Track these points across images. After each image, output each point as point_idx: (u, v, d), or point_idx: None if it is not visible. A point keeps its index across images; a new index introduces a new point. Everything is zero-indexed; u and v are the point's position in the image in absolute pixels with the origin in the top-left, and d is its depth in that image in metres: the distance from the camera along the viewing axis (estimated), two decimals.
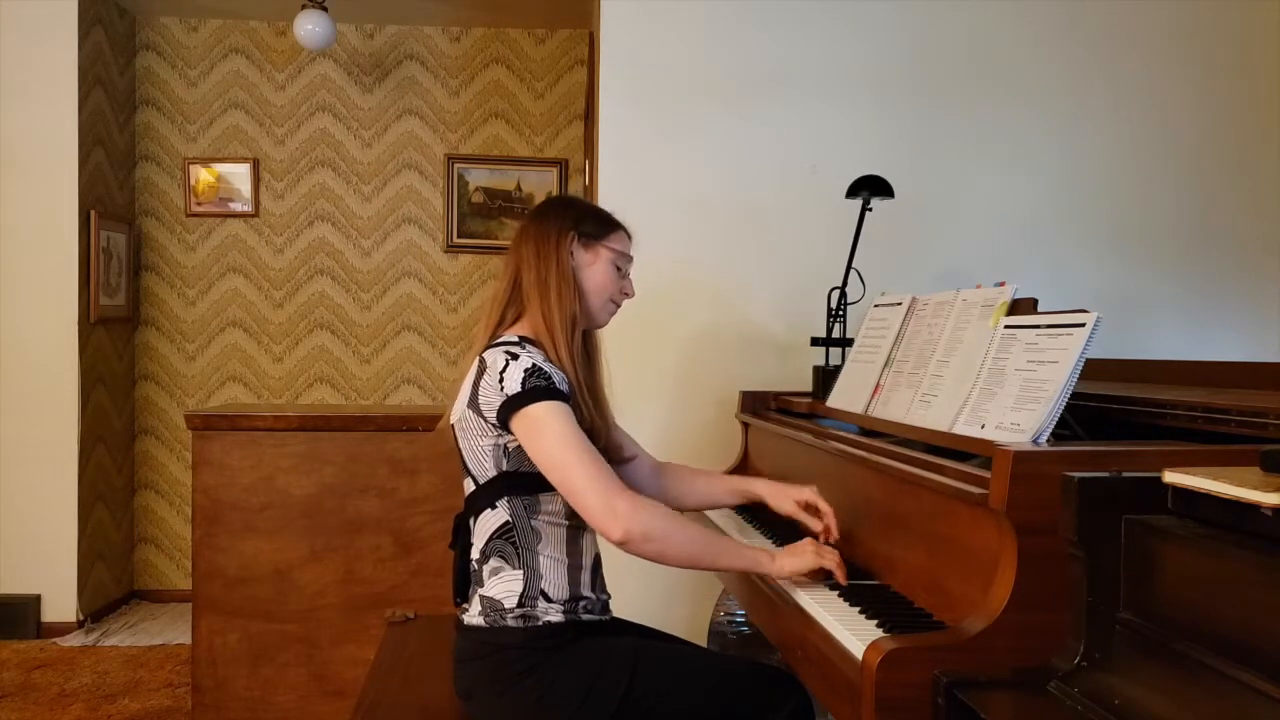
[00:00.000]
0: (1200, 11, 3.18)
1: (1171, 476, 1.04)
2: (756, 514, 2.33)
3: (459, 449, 1.75)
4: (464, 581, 1.77)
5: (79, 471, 4.05)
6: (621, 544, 1.61)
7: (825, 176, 3.04)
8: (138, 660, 3.65)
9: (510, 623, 1.67)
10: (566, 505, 1.69)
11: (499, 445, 1.68)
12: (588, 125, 4.18)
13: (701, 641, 2.61)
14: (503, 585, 1.69)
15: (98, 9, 4.20)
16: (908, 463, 1.63)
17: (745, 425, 2.74)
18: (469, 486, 1.76)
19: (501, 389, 1.64)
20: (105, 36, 4.28)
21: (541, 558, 1.70)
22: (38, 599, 4.00)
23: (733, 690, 1.69)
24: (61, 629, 3.99)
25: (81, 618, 4.05)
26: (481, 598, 1.71)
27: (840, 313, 2.59)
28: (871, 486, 1.81)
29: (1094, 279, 3.14)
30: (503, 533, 1.70)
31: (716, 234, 3.11)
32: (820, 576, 1.72)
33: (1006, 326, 1.67)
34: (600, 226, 1.82)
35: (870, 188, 2.59)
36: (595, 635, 1.72)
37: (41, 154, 4.02)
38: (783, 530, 2.12)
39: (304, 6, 4.11)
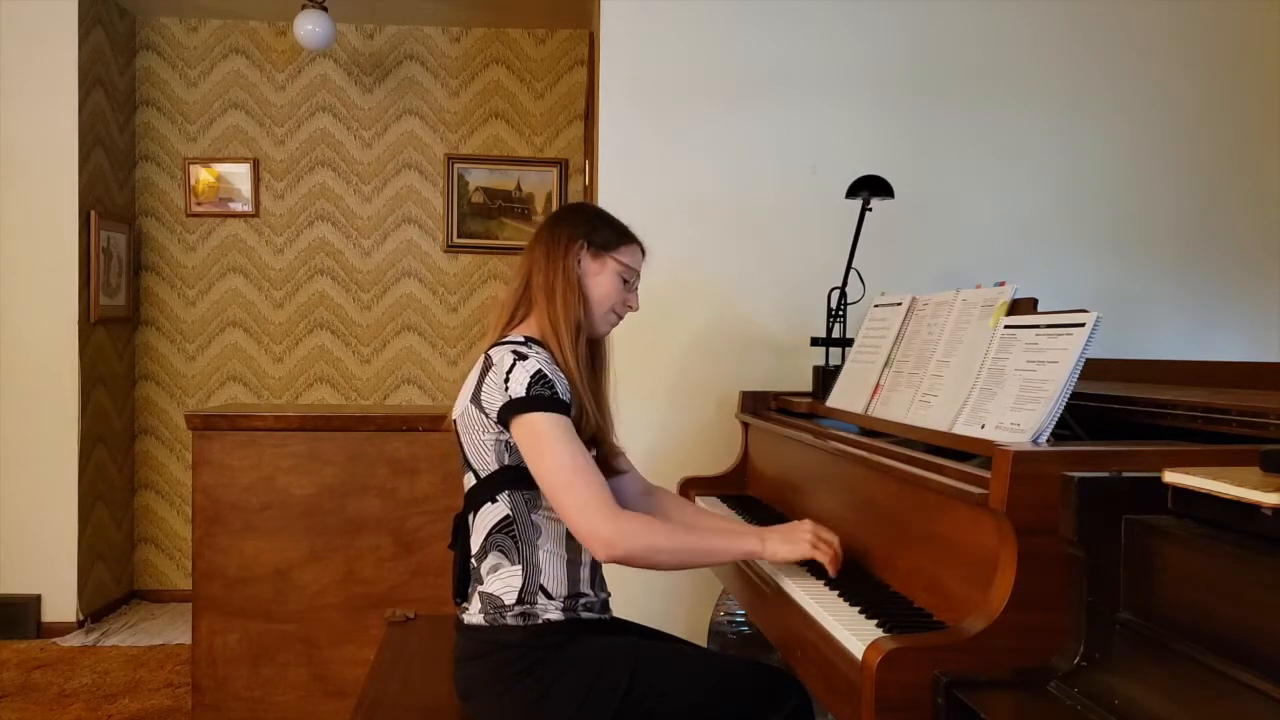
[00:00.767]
0: (1200, 11, 3.18)
1: (1171, 476, 1.04)
2: (757, 515, 2.33)
3: (460, 444, 1.77)
4: (464, 580, 1.78)
5: (79, 471, 4.05)
6: (608, 563, 1.65)
7: (825, 176, 3.04)
8: (138, 660, 3.65)
9: (510, 621, 1.68)
10: None
11: (500, 441, 1.69)
12: (588, 125, 4.18)
13: (701, 641, 2.61)
14: (502, 581, 1.70)
15: (98, 9, 4.20)
16: (908, 463, 1.63)
17: (745, 425, 2.74)
18: (469, 481, 1.76)
19: (506, 390, 1.66)
20: (105, 36, 4.28)
21: (541, 553, 1.70)
22: (38, 599, 4.00)
23: (732, 690, 1.69)
24: (61, 629, 3.99)
25: (81, 618, 4.05)
26: (481, 595, 1.71)
27: (840, 313, 2.59)
28: (871, 486, 1.81)
29: (1094, 279, 3.14)
30: (502, 527, 1.71)
31: (716, 234, 3.11)
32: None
33: (1006, 326, 1.67)
34: (612, 238, 1.83)
35: (870, 188, 2.59)
36: (595, 634, 1.72)
37: (41, 154, 4.02)
38: None
39: (304, 6, 4.11)
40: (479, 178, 4.64)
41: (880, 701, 1.26)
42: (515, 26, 4.63)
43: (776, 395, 2.71)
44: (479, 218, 4.65)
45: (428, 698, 1.84)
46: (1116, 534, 1.12)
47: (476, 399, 1.70)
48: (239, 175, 4.60)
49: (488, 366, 1.71)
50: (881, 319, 2.18)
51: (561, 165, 4.64)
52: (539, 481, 1.66)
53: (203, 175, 4.59)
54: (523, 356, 1.68)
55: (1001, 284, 1.78)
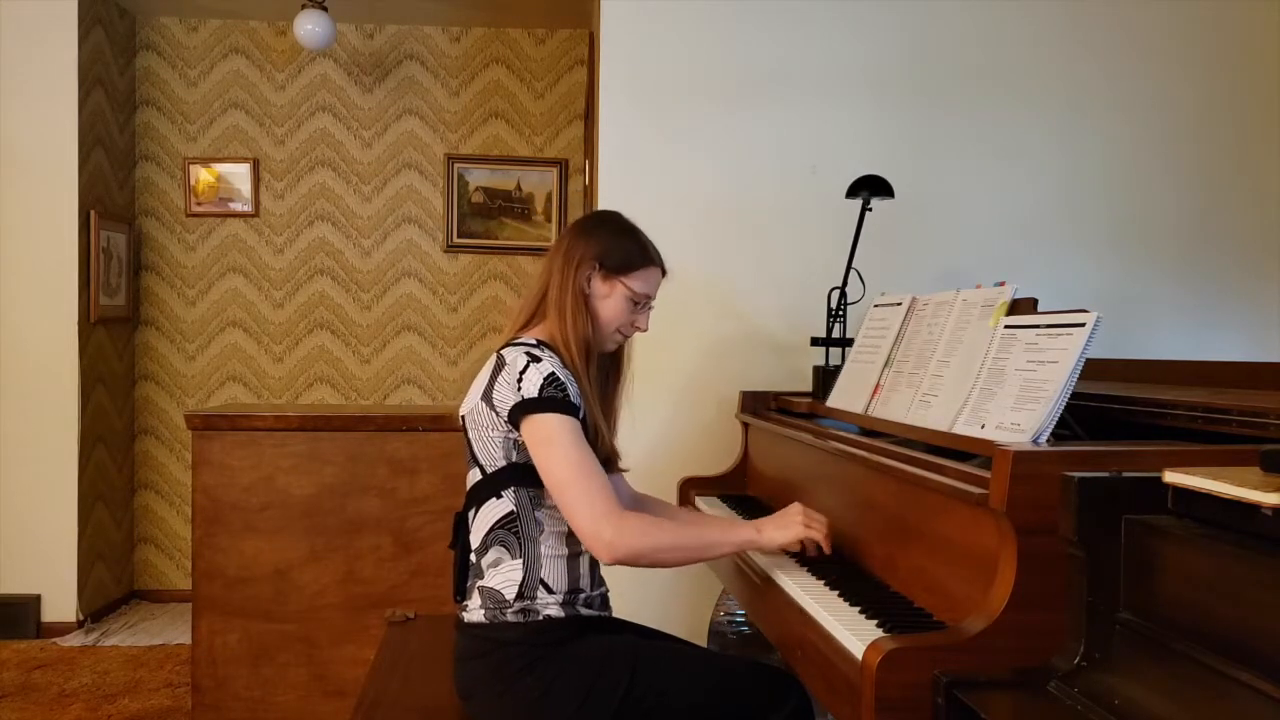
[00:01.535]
0: (1200, 11, 3.18)
1: (1171, 476, 1.04)
2: (749, 508, 2.33)
3: (468, 440, 1.78)
4: (463, 579, 1.79)
5: (79, 471, 4.05)
6: (612, 564, 1.66)
7: (825, 176, 3.04)
8: (138, 660, 3.65)
9: (510, 617, 1.69)
10: None
11: (509, 439, 1.71)
12: (588, 125, 4.18)
13: (701, 641, 2.61)
14: (502, 576, 1.71)
15: (98, 9, 4.20)
16: (908, 463, 1.63)
17: (745, 425, 2.74)
18: (474, 477, 1.77)
19: (519, 390, 1.68)
20: (105, 36, 4.28)
21: (542, 548, 1.72)
22: (38, 599, 4.00)
23: (732, 690, 1.69)
24: (61, 629, 3.99)
25: (81, 618, 4.05)
26: (481, 589, 1.72)
27: (840, 313, 2.59)
28: (871, 486, 1.81)
29: (1094, 279, 3.14)
30: (505, 522, 1.72)
31: (716, 234, 3.11)
32: (811, 548, 1.81)
33: (1006, 326, 1.67)
34: (626, 261, 1.84)
35: (870, 188, 2.59)
36: (595, 633, 1.73)
37: (41, 154, 4.02)
38: None
39: (304, 6, 4.11)
40: (479, 178, 4.64)
41: (880, 701, 1.26)
42: (515, 26, 4.63)
43: (776, 395, 2.71)
44: (479, 218, 4.65)
45: (428, 698, 1.84)
46: (1116, 534, 1.12)
47: (488, 397, 1.71)
48: (239, 175, 4.60)
49: (500, 366, 1.72)
50: (881, 319, 2.18)
51: (561, 165, 4.64)
52: (545, 480, 1.67)
53: (203, 175, 4.59)
54: (536, 359, 1.70)
55: (1001, 284, 1.78)
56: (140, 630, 4.09)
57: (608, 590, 1.83)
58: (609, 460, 1.82)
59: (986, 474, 1.36)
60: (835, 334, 2.58)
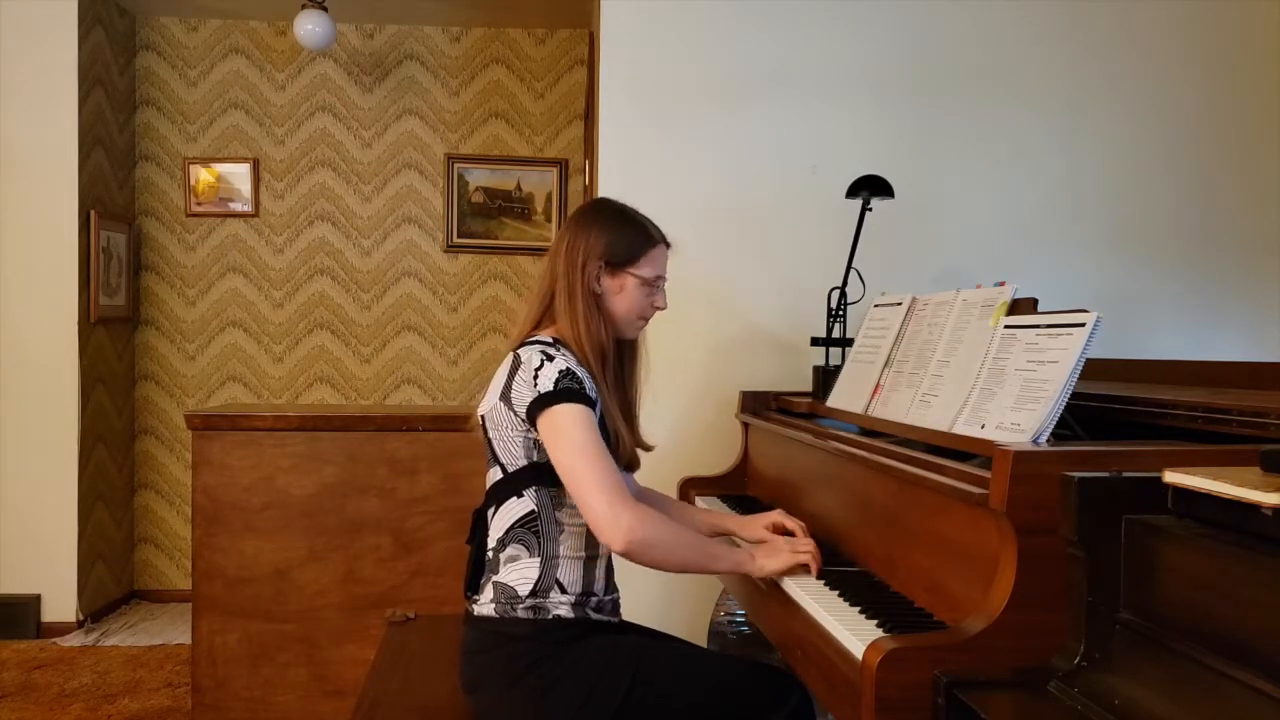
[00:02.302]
0: (1200, 11, 3.18)
1: (1171, 476, 1.04)
2: (749, 508, 2.33)
3: (488, 439, 1.77)
4: (477, 574, 1.78)
5: (79, 471, 4.05)
6: (624, 553, 1.64)
7: (825, 176, 3.04)
8: (138, 660, 3.65)
9: (520, 613, 1.69)
10: None
11: (529, 438, 1.72)
12: (588, 125, 4.18)
13: (701, 641, 2.61)
14: (519, 572, 1.71)
15: (98, 9, 4.20)
16: (908, 463, 1.63)
17: (745, 425, 2.74)
18: (494, 476, 1.77)
19: (535, 385, 1.68)
20: (105, 36, 4.28)
21: (561, 548, 1.73)
22: (38, 599, 4.00)
23: (733, 690, 1.70)
24: (61, 629, 3.99)
25: (81, 618, 4.05)
26: (495, 584, 1.73)
27: (840, 313, 2.59)
28: (871, 486, 1.81)
29: (1094, 279, 3.14)
30: (525, 521, 1.73)
31: (717, 234, 3.11)
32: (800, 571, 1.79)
33: (1006, 326, 1.67)
34: (630, 250, 1.82)
35: (870, 188, 2.59)
36: (600, 634, 1.73)
37: (41, 154, 4.02)
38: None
39: (304, 6, 4.11)
40: (479, 177, 4.64)
41: (880, 701, 1.26)
42: (515, 26, 4.63)
43: (777, 395, 2.71)
44: (479, 217, 4.65)
45: (428, 698, 1.84)
46: (1116, 534, 1.12)
47: (506, 397, 1.72)
48: (239, 175, 4.60)
49: (517, 365, 1.73)
50: (881, 319, 2.18)
51: (561, 165, 4.64)
52: (558, 468, 1.67)
53: (203, 175, 4.59)
54: (550, 357, 1.71)
55: (1001, 284, 1.78)
56: (140, 630, 4.09)
57: (619, 596, 1.84)
58: (630, 465, 1.82)
59: (986, 474, 1.36)
60: (835, 334, 2.58)
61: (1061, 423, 1.51)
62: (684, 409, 3.10)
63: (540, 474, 1.72)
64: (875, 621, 1.47)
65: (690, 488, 2.69)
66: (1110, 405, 1.74)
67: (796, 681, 1.71)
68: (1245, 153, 3.19)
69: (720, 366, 3.08)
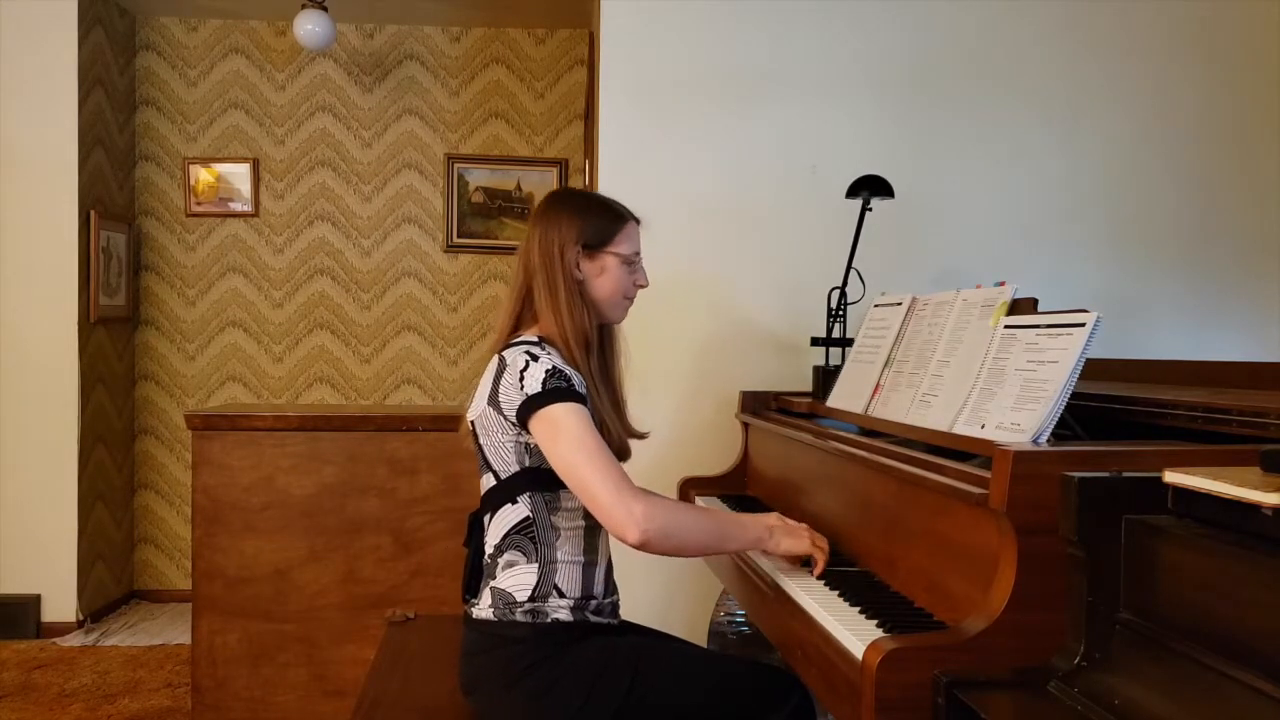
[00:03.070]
0: (1200, 11, 3.18)
1: (1171, 476, 1.04)
2: (749, 508, 2.33)
3: (479, 445, 1.75)
4: (475, 578, 1.78)
5: (79, 471, 4.05)
6: (641, 544, 1.61)
7: (825, 176, 3.04)
8: (138, 660, 3.65)
9: (519, 617, 1.68)
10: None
11: (520, 442, 1.70)
12: (588, 125, 4.18)
13: (701, 641, 2.61)
14: (516, 578, 1.70)
15: (98, 9, 4.20)
16: (908, 463, 1.63)
17: (745, 425, 2.73)
18: (488, 482, 1.76)
19: (522, 388, 1.66)
20: (105, 36, 4.28)
21: (559, 553, 1.71)
22: (38, 599, 4.00)
23: (734, 690, 1.70)
24: (61, 629, 3.99)
25: (81, 618, 4.05)
26: (493, 590, 1.72)
27: (840, 313, 2.59)
28: (871, 486, 1.81)
29: (1094, 279, 3.14)
30: (522, 528, 1.71)
31: (717, 234, 3.11)
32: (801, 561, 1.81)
33: (1006, 326, 1.67)
34: (603, 230, 1.80)
35: (870, 188, 2.59)
36: (599, 635, 1.73)
37: (41, 154, 4.02)
38: None
39: (304, 6, 4.11)
40: (479, 177, 4.64)
41: (880, 701, 1.26)
42: (515, 26, 4.63)
43: (776, 395, 2.71)
44: (479, 217, 4.65)
45: (428, 698, 1.84)
46: (1116, 534, 1.12)
47: (494, 400, 1.70)
48: (239, 175, 4.60)
49: (502, 368, 1.70)
50: (881, 319, 2.18)
51: (561, 165, 4.64)
52: (559, 469, 1.65)
53: (203, 175, 4.59)
54: (535, 357, 1.68)
55: (1001, 284, 1.78)
56: (140, 630, 4.09)
57: (619, 599, 1.83)
58: (621, 452, 1.79)
59: (986, 474, 1.36)
60: (835, 334, 2.58)
61: (1061, 423, 1.51)
62: (684, 409, 3.10)
63: (534, 479, 1.70)
64: (875, 621, 1.47)
65: (690, 488, 2.69)
66: (1110, 405, 1.74)
67: (797, 682, 1.70)
68: (1245, 153, 3.19)
69: (720, 366, 3.08)
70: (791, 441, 2.31)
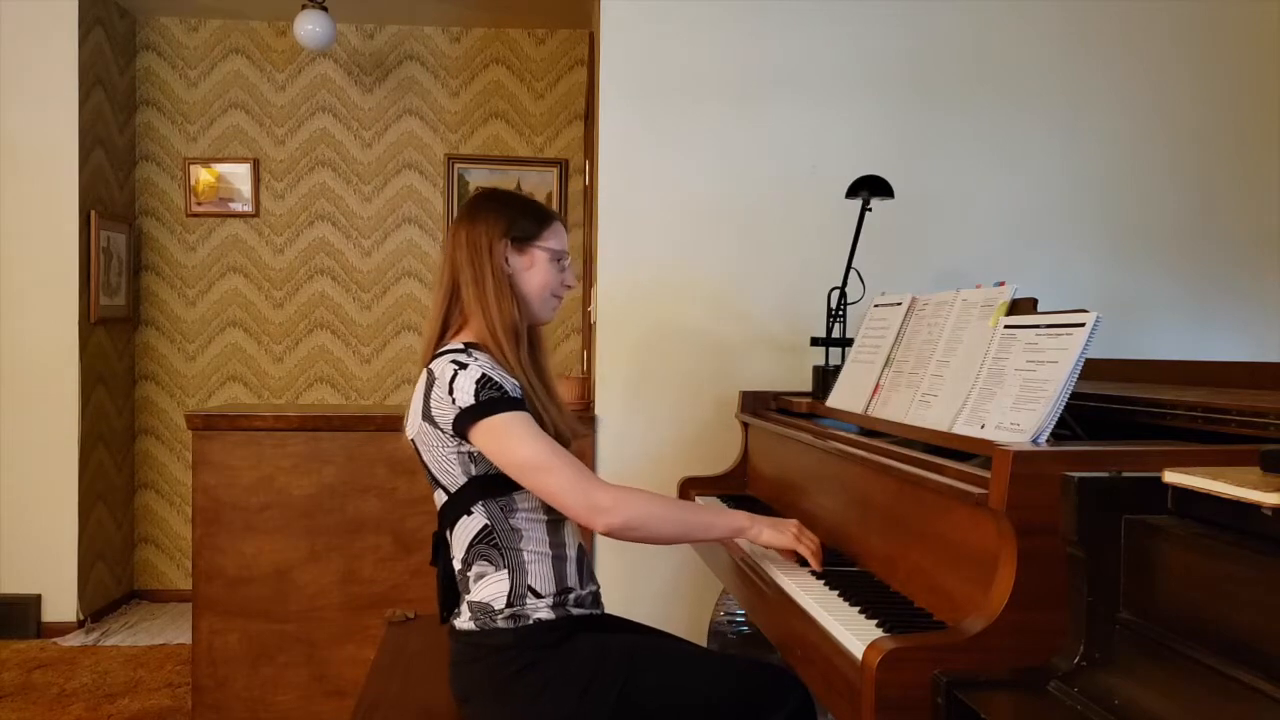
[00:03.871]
0: (1200, 11, 3.18)
1: (1171, 476, 1.04)
2: (749, 508, 2.33)
3: (423, 463, 1.73)
4: (450, 595, 1.76)
5: (79, 471, 4.05)
6: (608, 534, 1.63)
7: (825, 176, 3.04)
8: (138, 660, 3.65)
9: (500, 624, 1.67)
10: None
11: (462, 453, 1.67)
12: (588, 125, 4.18)
13: (701, 641, 2.61)
14: (490, 588, 1.68)
15: (98, 9, 4.20)
16: (908, 463, 1.63)
17: (745, 425, 2.73)
18: (440, 499, 1.74)
19: (453, 401, 1.63)
20: (105, 37, 4.28)
21: (525, 554, 1.69)
22: (38, 599, 4.00)
23: (734, 688, 1.69)
24: (61, 629, 3.99)
25: (82, 618, 4.05)
26: (470, 604, 1.70)
27: (840, 313, 2.58)
28: (871, 486, 1.81)
29: (1094, 279, 3.14)
30: (483, 537, 1.69)
31: (717, 233, 3.11)
32: (791, 558, 1.80)
33: (1006, 326, 1.67)
34: (532, 226, 1.79)
35: (870, 188, 2.58)
36: (589, 632, 1.72)
37: (41, 154, 4.02)
38: None
39: (304, 6, 4.11)
40: (479, 178, 4.64)
41: (880, 701, 1.26)
42: (515, 26, 4.63)
43: (776, 395, 2.71)
44: None
45: (427, 698, 1.84)
46: (1116, 534, 1.12)
47: (428, 415, 1.67)
48: (239, 175, 4.60)
49: (431, 381, 1.67)
50: (881, 319, 2.18)
51: (561, 165, 4.64)
52: (516, 476, 1.64)
53: (203, 175, 4.59)
54: (462, 365, 1.65)
55: (1001, 284, 1.78)
56: (140, 630, 4.09)
57: (599, 589, 1.81)
58: (561, 441, 1.74)
59: (986, 474, 1.36)
60: (835, 334, 2.58)
61: (1061, 423, 1.51)
62: (684, 409, 3.10)
63: (484, 487, 1.68)
64: (875, 621, 1.47)
65: (690, 488, 2.69)
66: (1110, 405, 1.74)
67: (797, 682, 1.69)
68: (1245, 152, 3.20)
69: (720, 366, 3.08)
70: (791, 441, 2.31)
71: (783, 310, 3.09)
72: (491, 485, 1.68)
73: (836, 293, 2.60)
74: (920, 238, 3.11)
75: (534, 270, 1.78)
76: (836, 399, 2.23)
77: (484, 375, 1.64)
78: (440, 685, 1.85)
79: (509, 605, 1.67)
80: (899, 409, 1.90)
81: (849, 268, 2.61)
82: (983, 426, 1.59)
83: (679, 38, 3.11)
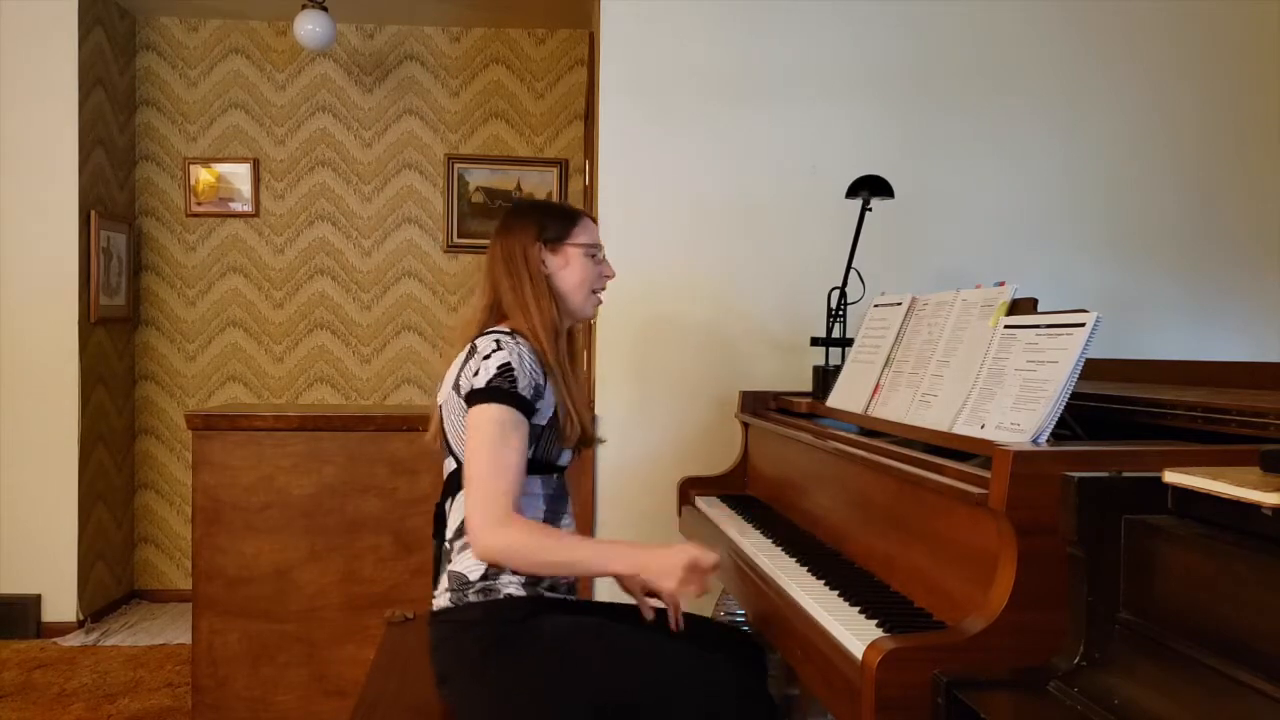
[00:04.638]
0: (1200, 11, 3.18)
1: (1171, 476, 1.04)
2: (757, 514, 2.33)
3: (443, 429, 1.78)
4: (441, 571, 1.79)
5: (79, 471, 4.05)
6: (483, 559, 1.67)
7: (825, 176, 3.04)
8: (138, 660, 3.65)
9: (471, 597, 1.70)
10: (545, 487, 1.76)
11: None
12: (588, 125, 4.18)
13: None
14: (469, 559, 1.71)
15: (98, 9, 4.20)
16: (908, 463, 1.63)
17: (745, 425, 2.73)
18: (449, 466, 1.78)
19: (475, 374, 1.69)
20: (105, 37, 4.28)
21: None
22: (38, 599, 4.00)
23: (703, 654, 1.70)
24: (61, 629, 3.99)
25: (81, 618, 4.05)
26: (450, 574, 1.73)
27: (840, 313, 2.59)
28: (871, 486, 1.81)
29: (1094, 279, 3.14)
30: None
31: (717, 233, 3.11)
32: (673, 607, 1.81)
33: (1006, 326, 1.67)
34: (562, 225, 1.84)
35: (870, 188, 2.59)
36: (559, 612, 1.73)
37: (41, 154, 4.02)
38: (783, 531, 2.12)
39: (304, 6, 4.11)
40: (479, 178, 4.64)
41: (880, 701, 1.26)
42: (515, 26, 4.63)
43: (776, 395, 2.71)
44: (479, 218, 4.65)
45: (427, 698, 1.84)
46: (1116, 534, 1.12)
47: (457, 384, 1.74)
48: (239, 175, 4.60)
49: (471, 353, 1.74)
50: (881, 319, 2.18)
51: (561, 165, 4.64)
52: (464, 464, 1.68)
53: (203, 175, 4.59)
54: (500, 345, 1.71)
55: (1001, 284, 1.78)
56: (140, 630, 4.09)
57: (578, 581, 1.84)
58: (585, 439, 1.81)
59: (986, 474, 1.36)
60: (835, 334, 2.58)
61: (1061, 423, 1.51)
62: (684, 409, 3.10)
63: None
64: (875, 621, 1.47)
65: (690, 488, 2.69)
66: (1110, 405, 1.74)
67: (752, 643, 1.77)
68: (1244, 153, 3.20)
69: (720, 366, 3.08)
70: (791, 441, 2.32)
71: (783, 310, 3.09)
72: None
73: (836, 293, 2.60)
74: (920, 238, 3.11)
75: (570, 268, 1.83)
76: (836, 399, 2.23)
77: (507, 363, 1.69)
78: None
79: (483, 579, 1.70)
80: (899, 409, 1.90)
81: (849, 267, 2.61)
82: (983, 426, 1.59)
83: (679, 38, 3.11)
